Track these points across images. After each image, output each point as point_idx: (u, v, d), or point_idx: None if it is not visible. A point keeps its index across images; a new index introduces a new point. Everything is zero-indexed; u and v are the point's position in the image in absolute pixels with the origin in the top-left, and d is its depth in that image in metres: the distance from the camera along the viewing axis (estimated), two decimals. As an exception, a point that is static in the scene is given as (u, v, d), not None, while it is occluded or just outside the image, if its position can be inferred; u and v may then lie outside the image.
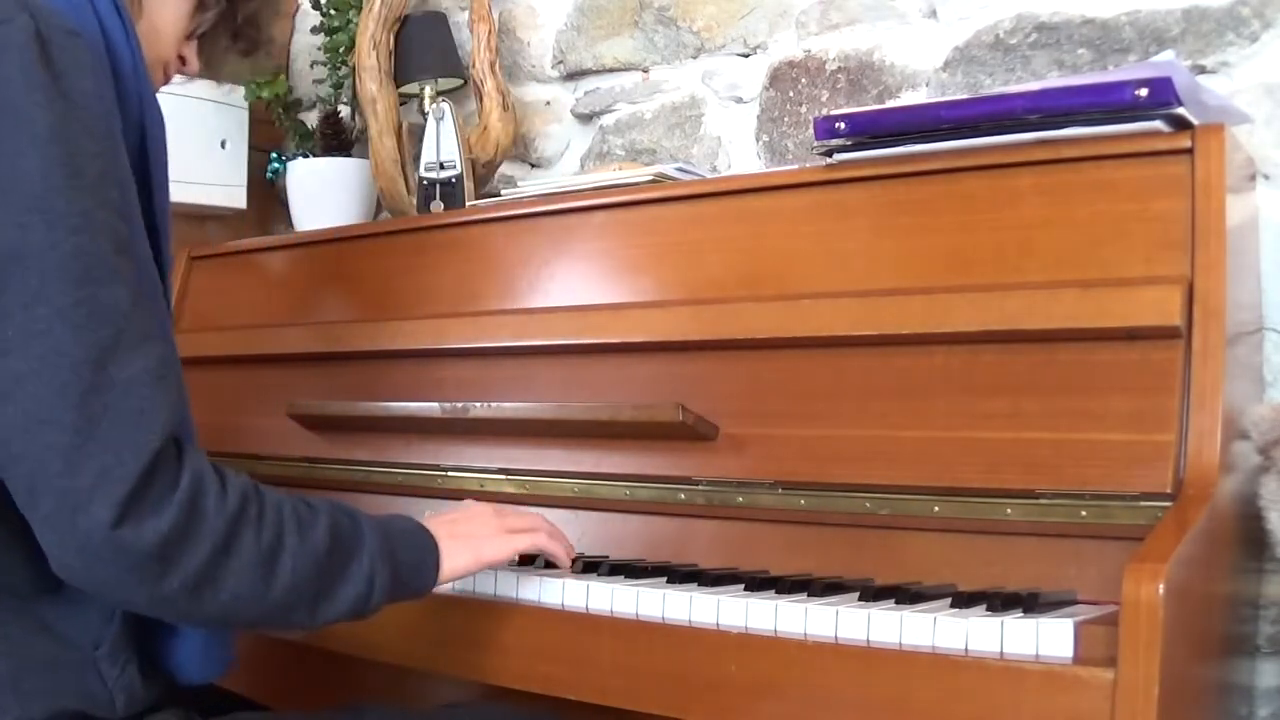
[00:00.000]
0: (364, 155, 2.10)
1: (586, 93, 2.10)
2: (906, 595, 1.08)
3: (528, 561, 1.30)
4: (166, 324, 1.03)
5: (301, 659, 1.54)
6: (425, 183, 1.91)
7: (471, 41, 2.04)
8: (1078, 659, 0.93)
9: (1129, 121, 1.15)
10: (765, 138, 1.87)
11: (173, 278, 1.13)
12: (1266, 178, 1.43)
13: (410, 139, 2.06)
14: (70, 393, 0.88)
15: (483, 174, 2.02)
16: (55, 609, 1.00)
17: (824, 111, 1.62)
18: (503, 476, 1.51)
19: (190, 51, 1.19)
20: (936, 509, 1.18)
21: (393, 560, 1.05)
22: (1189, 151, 1.13)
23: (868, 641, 1.02)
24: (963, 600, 1.06)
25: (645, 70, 2.02)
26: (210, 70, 1.26)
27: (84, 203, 0.91)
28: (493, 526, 1.19)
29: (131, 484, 0.87)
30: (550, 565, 1.30)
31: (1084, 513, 1.10)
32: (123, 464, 0.88)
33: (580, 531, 1.44)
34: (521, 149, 2.16)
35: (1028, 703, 0.92)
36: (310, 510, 1.01)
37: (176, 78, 1.21)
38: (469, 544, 1.15)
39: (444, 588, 1.29)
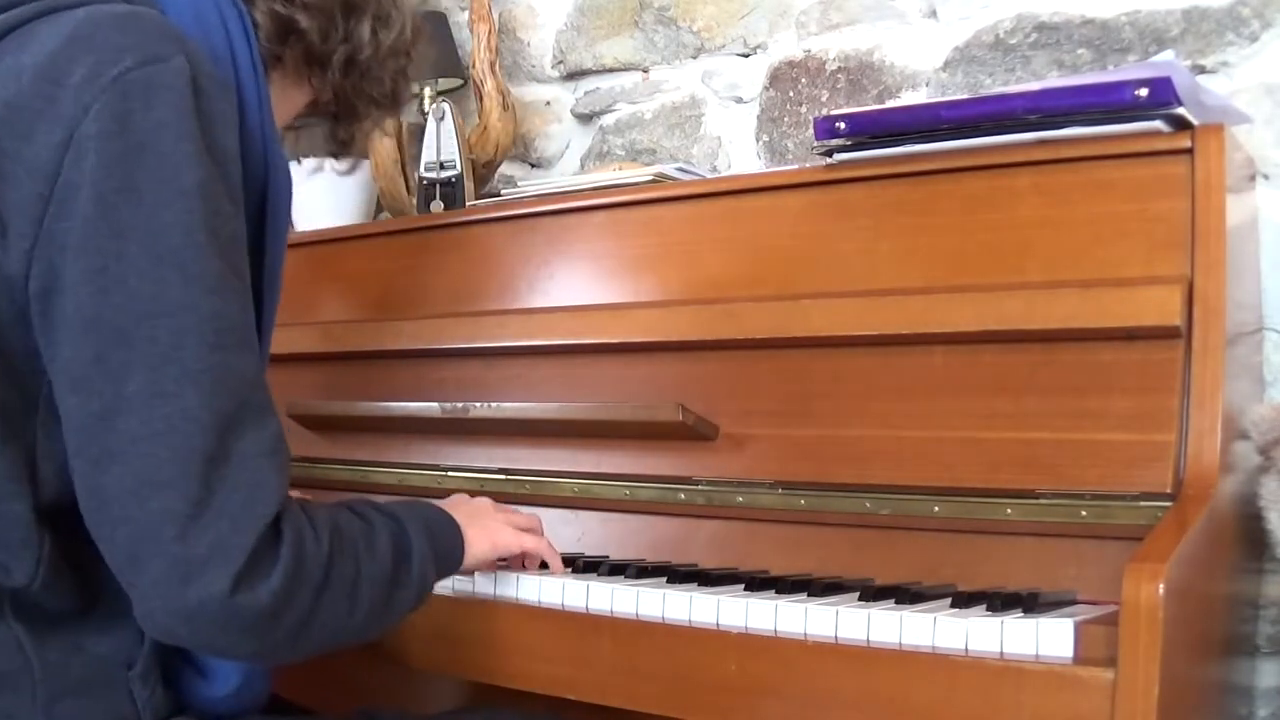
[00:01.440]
0: (364, 155, 2.10)
1: (586, 93, 2.10)
2: (906, 595, 1.08)
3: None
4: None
5: (306, 660, 1.54)
6: (425, 183, 1.91)
7: (471, 41, 2.04)
8: (1078, 659, 0.93)
9: (1129, 121, 1.15)
10: (765, 138, 1.87)
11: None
12: (1266, 178, 1.43)
13: (410, 139, 2.06)
14: (194, 460, 0.85)
15: (483, 174, 2.02)
16: (91, 630, 0.98)
17: (824, 111, 1.62)
18: (503, 476, 1.51)
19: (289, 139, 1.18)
20: (936, 509, 1.18)
21: (436, 557, 1.07)
22: (1189, 151, 1.13)
23: (868, 641, 1.02)
24: (963, 600, 1.06)
25: (645, 70, 2.02)
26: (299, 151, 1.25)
27: (220, 264, 0.89)
28: (499, 519, 1.22)
29: (246, 557, 0.85)
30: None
31: (1084, 513, 1.10)
32: (239, 535, 0.85)
33: (580, 531, 1.44)
34: (521, 149, 2.16)
35: (1028, 703, 0.92)
36: (370, 528, 1.01)
37: None
38: (486, 534, 1.17)
39: (443, 587, 1.29)
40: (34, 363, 0.89)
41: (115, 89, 0.86)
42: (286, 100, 1.13)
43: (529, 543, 1.23)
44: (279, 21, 1.05)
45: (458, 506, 1.18)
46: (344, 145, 1.22)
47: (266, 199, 1.03)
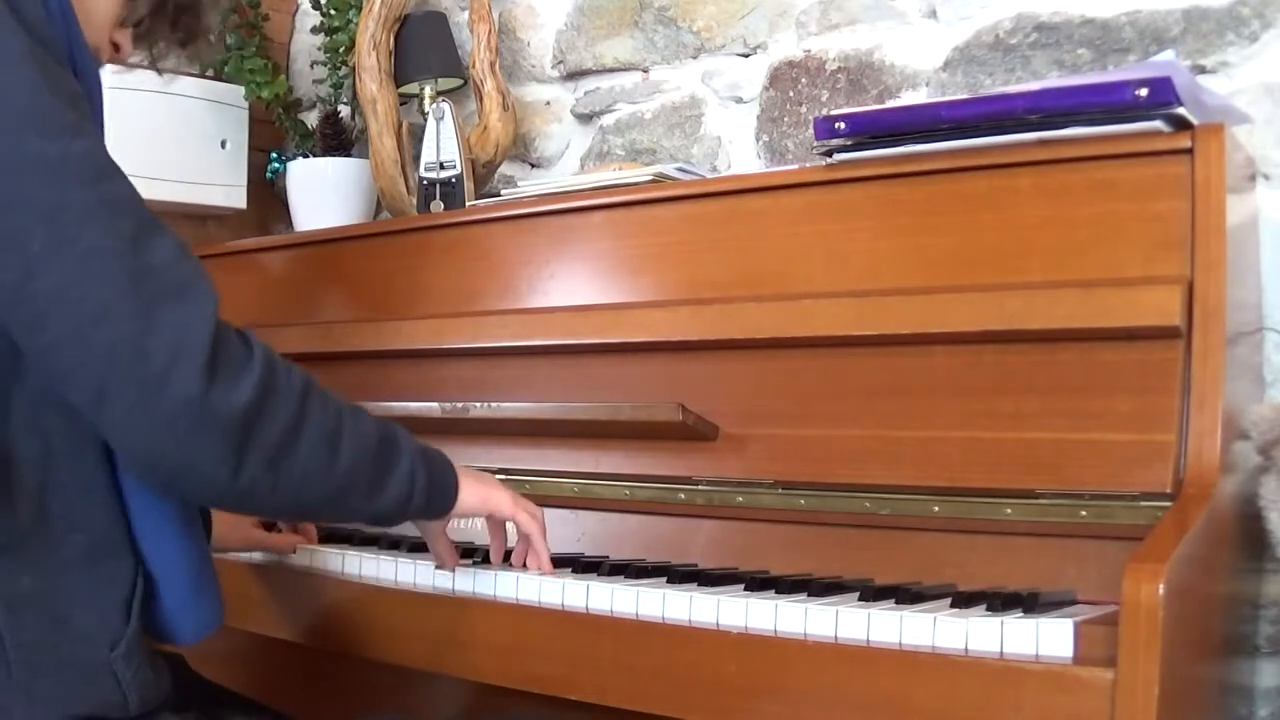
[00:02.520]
0: (364, 155, 2.10)
1: (586, 93, 2.10)
2: (906, 595, 1.08)
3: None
4: None
5: (306, 660, 1.54)
6: (425, 183, 1.91)
7: (471, 41, 2.04)
8: (1078, 659, 0.93)
9: (1129, 121, 1.15)
10: (765, 138, 1.87)
11: None
12: (1266, 178, 1.43)
13: (410, 139, 2.06)
14: (119, 283, 0.88)
15: (483, 174, 2.02)
16: (75, 603, 0.98)
17: (824, 111, 1.62)
18: (503, 476, 1.50)
19: (124, 39, 1.17)
20: (936, 509, 1.18)
21: (429, 468, 1.10)
22: (1189, 151, 1.13)
23: (868, 641, 1.02)
24: (963, 600, 1.06)
25: (645, 70, 2.02)
26: (153, 61, 1.25)
27: (71, 113, 0.92)
28: (501, 487, 1.23)
29: (207, 350, 0.89)
30: (555, 564, 1.30)
31: (1084, 513, 1.10)
32: (191, 331, 0.89)
33: (580, 531, 1.44)
34: (521, 149, 2.16)
35: (1028, 703, 0.92)
36: (354, 406, 1.04)
37: (114, 67, 1.19)
38: (480, 487, 1.19)
39: (443, 587, 1.29)
40: None
41: None
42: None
43: (523, 515, 1.23)
44: None
45: (464, 468, 1.20)
46: (188, 39, 1.21)
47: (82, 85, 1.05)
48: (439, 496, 1.13)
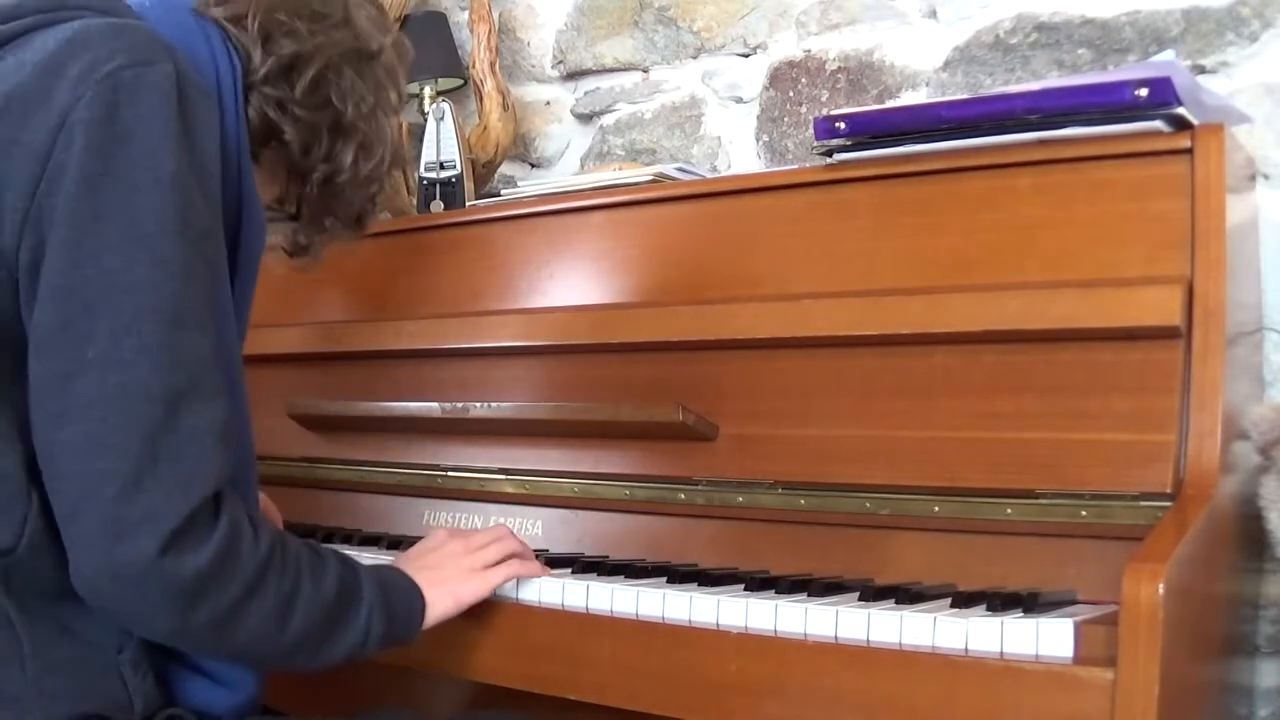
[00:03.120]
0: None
1: (586, 93, 2.10)
2: (906, 595, 1.08)
3: None
4: (237, 387, 1.07)
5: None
6: (425, 183, 1.91)
7: (471, 41, 2.04)
8: (1078, 659, 0.93)
9: (1129, 121, 1.15)
10: (765, 138, 1.87)
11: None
12: (1266, 178, 1.43)
13: (410, 139, 2.06)
14: (141, 426, 0.90)
15: (483, 174, 2.02)
16: (80, 613, 1.00)
17: (824, 111, 1.62)
18: (503, 476, 1.51)
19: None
20: (936, 509, 1.18)
21: (387, 611, 1.08)
22: (1189, 151, 1.13)
23: (868, 641, 1.02)
24: (963, 600, 1.06)
25: (645, 70, 2.02)
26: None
27: (188, 253, 0.94)
28: (466, 566, 1.20)
29: (177, 523, 0.90)
30: (554, 564, 1.30)
31: (1084, 513, 1.10)
32: (172, 504, 0.90)
33: (580, 531, 1.44)
34: (521, 149, 2.16)
35: (1028, 703, 0.92)
36: (321, 560, 1.04)
37: None
38: (448, 589, 1.16)
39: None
40: (23, 330, 0.94)
41: (107, 82, 0.92)
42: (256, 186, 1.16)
43: (497, 580, 1.21)
44: (265, 125, 1.10)
45: (424, 562, 1.18)
46: (301, 249, 1.26)
47: (239, 232, 1.08)
48: (400, 632, 1.11)
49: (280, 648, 1.01)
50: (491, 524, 1.50)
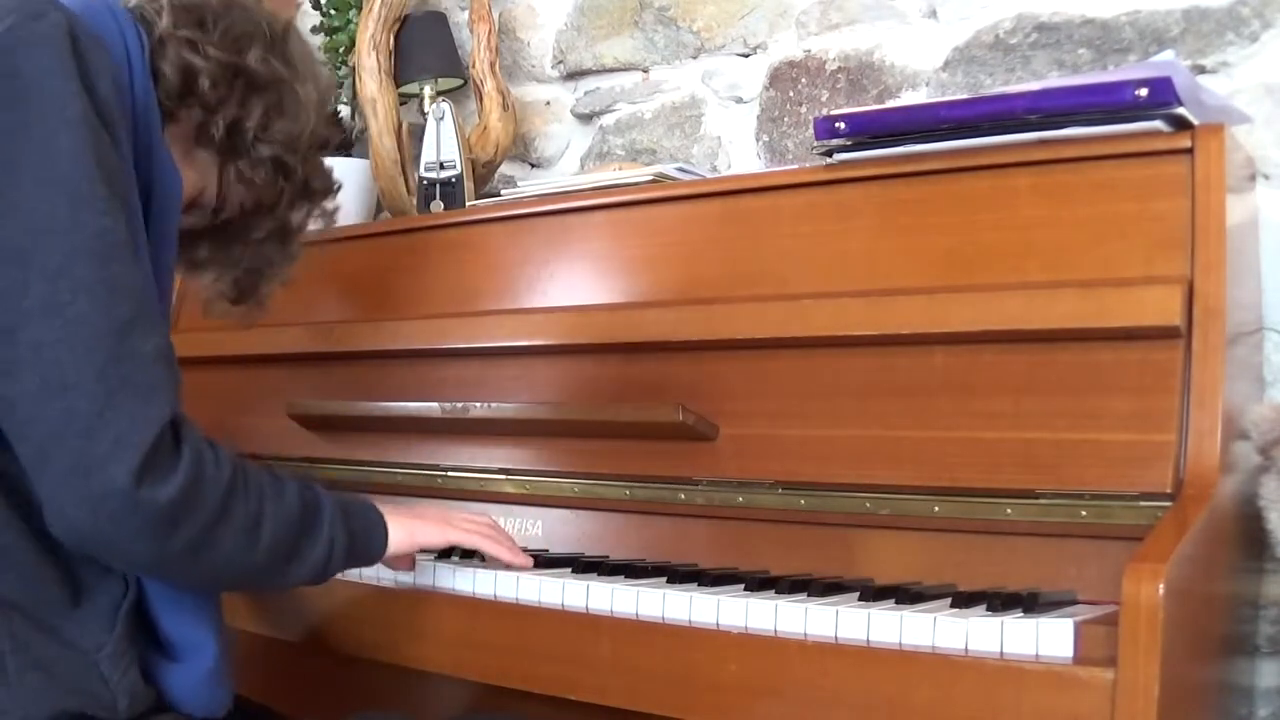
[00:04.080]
0: (364, 155, 2.10)
1: (586, 93, 2.10)
2: (906, 595, 1.08)
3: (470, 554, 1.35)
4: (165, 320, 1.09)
5: (306, 660, 1.54)
6: (425, 183, 1.91)
7: (471, 41, 2.04)
8: (1078, 659, 0.93)
9: (1129, 121, 1.15)
10: (765, 138, 1.87)
11: (171, 294, 1.19)
12: (1266, 178, 1.43)
13: (410, 139, 2.06)
14: (94, 360, 0.92)
15: (483, 174, 2.02)
16: (59, 613, 1.01)
17: (824, 111, 1.62)
18: (503, 476, 1.51)
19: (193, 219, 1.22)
20: (936, 509, 1.18)
21: (348, 528, 1.12)
22: (1189, 151, 1.13)
23: (868, 641, 1.02)
24: (963, 600, 1.06)
25: (645, 70, 2.02)
26: (206, 291, 1.31)
27: (106, 188, 0.96)
28: (433, 517, 1.26)
29: (145, 450, 0.92)
30: (555, 564, 1.30)
31: (1084, 513, 1.10)
32: (137, 432, 0.92)
33: (580, 531, 1.45)
34: (521, 149, 2.16)
35: (1028, 703, 0.92)
36: (278, 481, 1.07)
37: None
38: (409, 526, 1.21)
39: (443, 587, 1.29)
40: None
41: (2, 41, 0.95)
42: (195, 168, 1.18)
43: (453, 536, 1.25)
44: (180, 71, 1.11)
45: (395, 508, 1.22)
46: (241, 291, 1.29)
47: (152, 190, 1.08)
48: (362, 550, 1.15)
49: (254, 567, 1.03)
50: (491, 524, 1.51)
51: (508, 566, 1.27)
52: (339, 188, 1.33)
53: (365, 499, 1.20)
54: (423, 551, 1.28)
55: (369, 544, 1.16)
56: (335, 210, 1.35)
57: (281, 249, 1.29)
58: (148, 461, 0.91)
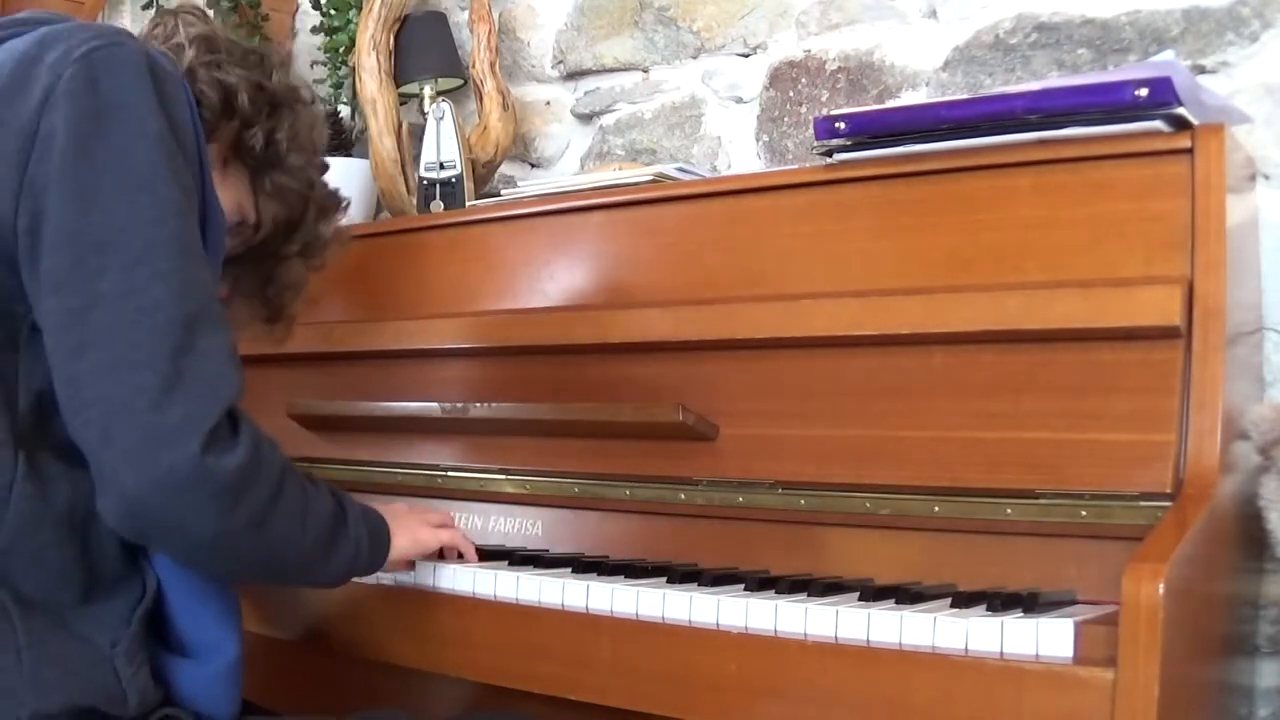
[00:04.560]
0: (364, 155, 2.10)
1: (586, 93, 2.10)
2: (906, 595, 1.08)
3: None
4: None
5: (306, 660, 1.54)
6: (425, 183, 1.91)
7: (471, 41, 2.04)
8: (1078, 659, 0.93)
9: (1129, 121, 1.15)
10: (765, 138, 1.87)
11: None
12: (1266, 178, 1.43)
13: (410, 139, 2.06)
14: (165, 342, 0.95)
15: (483, 174, 2.02)
16: (74, 607, 1.02)
17: (824, 111, 1.62)
18: (503, 476, 1.51)
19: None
20: (936, 509, 1.18)
21: (370, 530, 1.17)
22: (1189, 151, 1.13)
23: (868, 641, 1.02)
24: (963, 600, 1.06)
25: (645, 70, 2.02)
26: (233, 311, 1.33)
27: (180, 196, 1.00)
28: (416, 519, 1.31)
29: (212, 423, 0.94)
30: (555, 564, 1.30)
31: (1084, 513, 1.10)
32: (206, 410, 0.95)
33: (580, 531, 1.45)
34: (521, 149, 2.16)
35: (1028, 703, 0.92)
36: (311, 479, 1.10)
37: None
38: (406, 529, 1.27)
39: (443, 587, 1.29)
40: (17, 304, 0.98)
41: (84, 60, 0.98)
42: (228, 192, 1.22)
43: (445, 537, 1.33)
44: (221, 89, 1.17)
45: (379, 508, 1.25)
46: (275, 311, 1.34)
47: (205, 232, 1.11)
48: (379, 552, 1.20)
49: (302, 554, 1.07)
50: (491, 524, 1.51)
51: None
52: (347, 204, 1.40)
53: (366, 505, 1.21)
54: None
55: (381, 549, 1.20)
56: (345, 227, 1.41)
57: (309, 263, 1.34)
58: (214, 434, 0.94)
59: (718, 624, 1.10)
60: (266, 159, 1.22)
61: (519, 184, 1.78)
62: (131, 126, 0.98)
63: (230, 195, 1.21)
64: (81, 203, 0.96)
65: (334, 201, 1.35)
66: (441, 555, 1.34)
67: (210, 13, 1.36)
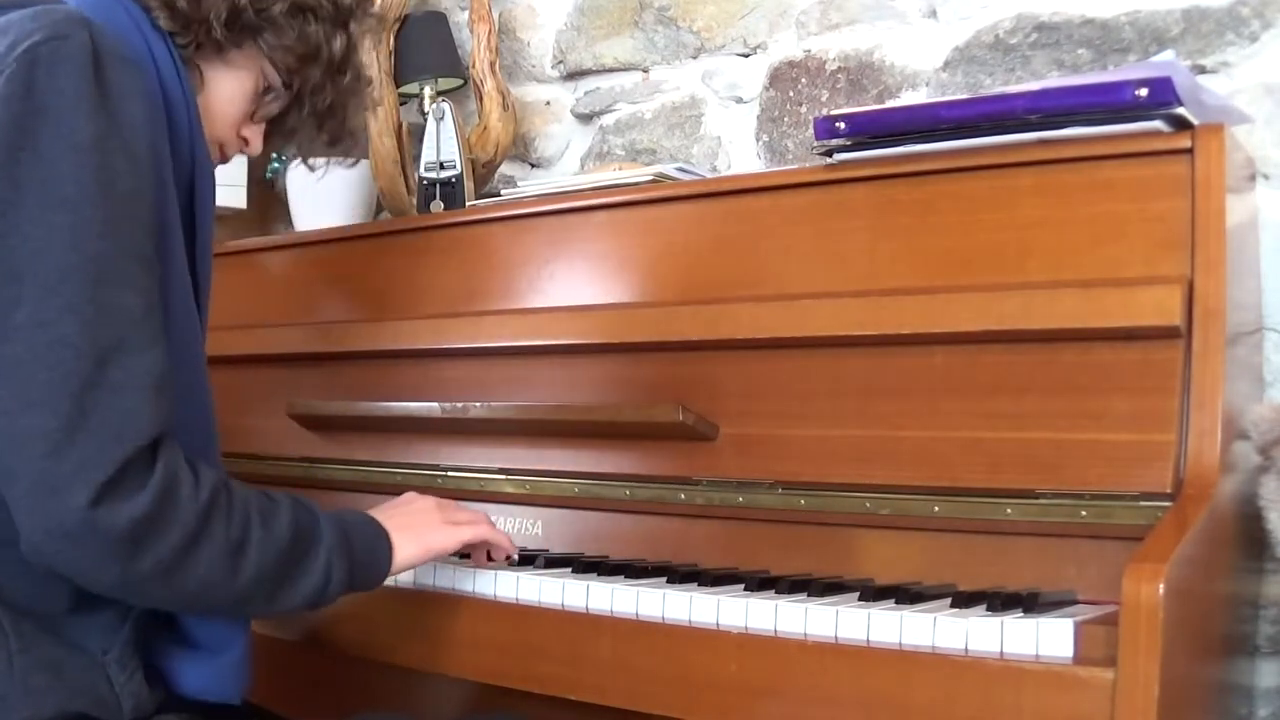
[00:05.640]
0: (364, 155, 2.10)
1: (586, 93, 2.10)
2: (906, 595, 1.08)
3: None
4: (191, 341, 1.10)
5: (306, 660, 1.54)
6: (425, 183, 1.91)
7: (471, 41, 2.04)
8: (1078, 659, 0.93)
9: (1129, 121, 1.15)
10: (765, 138, 1.87)
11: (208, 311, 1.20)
12: (1266, 178, 1.43)
13: (410, 139, 2.06)
14: (69, 382, 0.91)
15: (483, 174, 2.02)
16: (65, 619, 1.01)
17: (824, 111, 1.62)
18: (503, 476, 1.51)
19: (254, 133, 1.22)
20: (936, 509, 1.18)
21: (349, 554, 1.09)
22: (1189, 151, 1.13)
23: (868, 641, 1.02)
24: (963, 600, 1.06)
25: (645, 70, 2.02)
26: (301, 153, 1.32)
27: (113, 213, 0.96)
28: (436, 518, 1.22)
29: (110, 473, 0.91)
30: (555, 564, 1.30)
31: (1084, 513, 1.10)
32: (104, 455, 0.91)
33: (580, 531, 1.44)
34: (521, 149, 2.16)
35: (1028, 703, 0.92)
36: (273, 504, 1.04)
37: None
38: (416, 534, 1.18)
39: (443, 587, 1.29)
40: None
41: (24, 58, 0.94)
42: (239, 84, 1.17)
43: (467, 536, 1.23)
44: (181, 12, 1.11)
45: (394, 511, 1.19)
46: (335, 134, 1.27)
47: (194, 190, 1.10)
48: (364, 576, 1.12)
49: (234, 594, 1.00)
50: (491, 524, 1.51)
51: (506, 559, 1.28)
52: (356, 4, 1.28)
53: (369, 517, 1.16)
54: None
55: (372, 569, 1.13)
56: (379, 15, 1.31)
57: (344, 78, 1.25)
58: (110, 485, 0.91)
59: (718, 624, 1.10)
60: (258, 24, 1.15)
61: (519, 184, 1.78)
62: (61, 135, 0.94)
63: (243, 75, 1.17)
64: (1, 224, 0.93)
65: (344, 13, 1.23)
66: (474, 554, 1.29)
67: None
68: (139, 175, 0.99)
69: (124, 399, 0.93)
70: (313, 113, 1.23)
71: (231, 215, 2.36)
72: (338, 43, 1.23)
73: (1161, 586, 0.88)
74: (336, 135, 1.29)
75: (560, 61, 2.12)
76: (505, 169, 2.14)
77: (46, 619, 1.00)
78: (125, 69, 0.99)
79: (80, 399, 0.91)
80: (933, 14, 1.72)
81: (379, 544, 1.14)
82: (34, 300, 0.92)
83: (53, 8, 1.01)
